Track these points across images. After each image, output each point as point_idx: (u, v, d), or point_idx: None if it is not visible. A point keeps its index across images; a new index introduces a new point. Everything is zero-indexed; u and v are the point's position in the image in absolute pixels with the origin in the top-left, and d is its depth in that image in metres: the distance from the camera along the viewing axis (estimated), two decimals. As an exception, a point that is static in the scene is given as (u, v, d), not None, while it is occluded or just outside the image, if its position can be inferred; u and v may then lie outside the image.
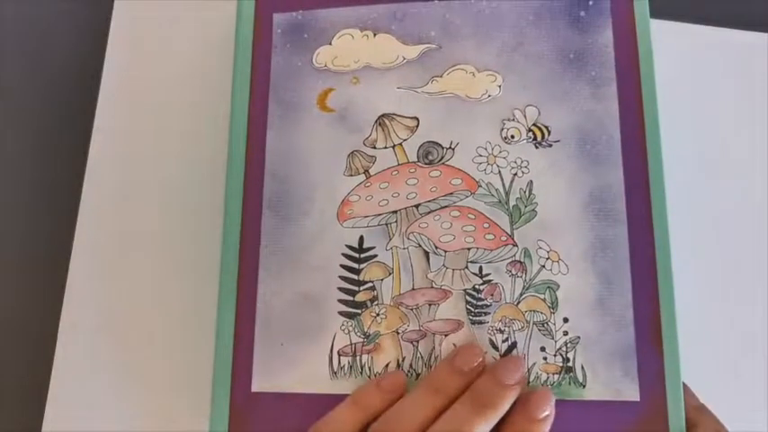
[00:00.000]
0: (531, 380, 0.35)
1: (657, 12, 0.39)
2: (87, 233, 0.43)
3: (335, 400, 0.35)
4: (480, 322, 0.35)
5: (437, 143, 0.37)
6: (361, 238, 0.37)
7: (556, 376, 0.35)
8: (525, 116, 0.37)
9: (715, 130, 0.45)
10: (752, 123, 0.45)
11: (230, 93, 0.39)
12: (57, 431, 0.40)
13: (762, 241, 0.43)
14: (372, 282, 0.36)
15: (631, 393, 0.34)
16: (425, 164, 0.37)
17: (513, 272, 0.36)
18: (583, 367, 0.35)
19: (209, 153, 0.42)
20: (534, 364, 0.35)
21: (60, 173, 0.45)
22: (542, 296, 0.35)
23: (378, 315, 0.36)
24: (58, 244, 0.43)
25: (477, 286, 0.36)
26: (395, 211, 0.37)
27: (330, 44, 0.39)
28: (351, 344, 0.36)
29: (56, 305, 0.42)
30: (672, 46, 0.40)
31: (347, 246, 0.37)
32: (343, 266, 0.37)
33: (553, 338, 0.35)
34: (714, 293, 0.43)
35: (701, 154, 0.44)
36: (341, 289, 0.36)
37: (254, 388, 0.36)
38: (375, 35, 0.39)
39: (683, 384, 0.34)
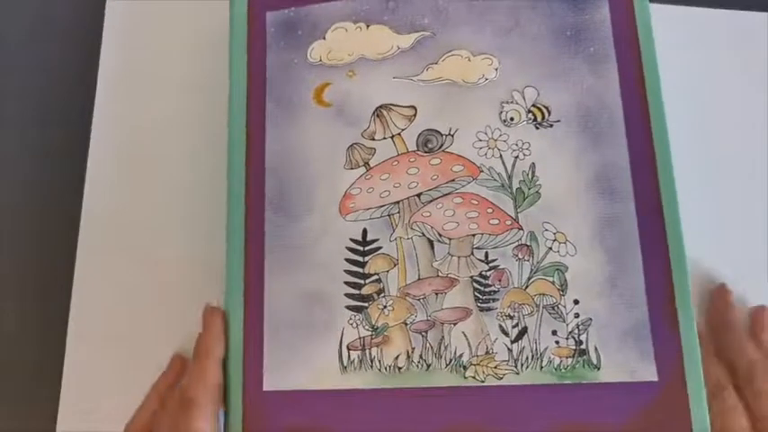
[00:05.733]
0: (544, 365, 0.34)
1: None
2: (91, 234, 0.43)
3: (347, 395, 0.35)
4: (489, 309, 0.35)
5: (436, 131, 0.37)
6: (365, 231, 0.36)
7: (569, 360, 0.34)
8: (524, 97, 0.37)
9: (715, 111, 0.43)
10: (752, 103, 0.44)
11: (227, 92, 0.39)
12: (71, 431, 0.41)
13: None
14: (378, 274, 0.36)
15: (648, 374, 0.33)
16: (425, 152, 0.37)
17: (520, 256, 0.35)
18: (596, 349, 0.34)
19: (210, 153, 0.42)
20: (546, 348, 0.34)
21: (61, 172, 0.45)
22: (551, 279, 0.35)
23: (385, 307, 0.36)
24: (61, 245, 0.43)
25: (483, 272, 0.35)
26: (397, 202, 0.36)
27: (324, 39, 0.39)
28: (360, 338, 0.35)
29: (63, 308, 0.42)
30: (671, 29, 0.39)
31: (351, 239, 0.36)
32: (347, 260, 0.36)
33: (564, 321, 0.34)
34: (724, 271, 0.41)
35: (703, 135, 0.43)
36: (347, 283, 0.36)
37: (266, 387, 0.35)
38: (368, 26, 0.39)
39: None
